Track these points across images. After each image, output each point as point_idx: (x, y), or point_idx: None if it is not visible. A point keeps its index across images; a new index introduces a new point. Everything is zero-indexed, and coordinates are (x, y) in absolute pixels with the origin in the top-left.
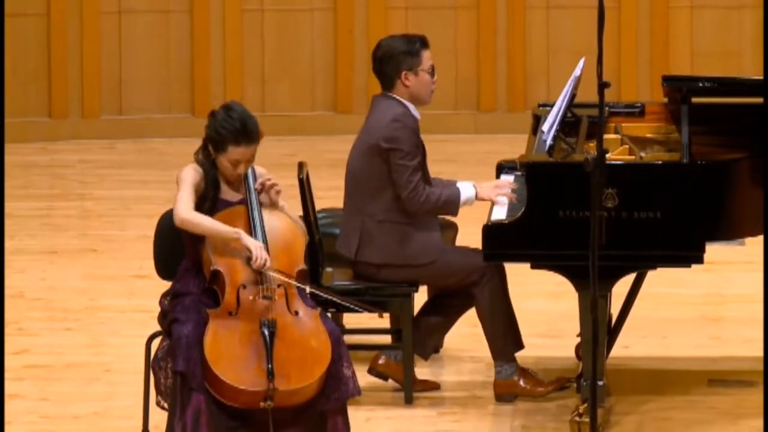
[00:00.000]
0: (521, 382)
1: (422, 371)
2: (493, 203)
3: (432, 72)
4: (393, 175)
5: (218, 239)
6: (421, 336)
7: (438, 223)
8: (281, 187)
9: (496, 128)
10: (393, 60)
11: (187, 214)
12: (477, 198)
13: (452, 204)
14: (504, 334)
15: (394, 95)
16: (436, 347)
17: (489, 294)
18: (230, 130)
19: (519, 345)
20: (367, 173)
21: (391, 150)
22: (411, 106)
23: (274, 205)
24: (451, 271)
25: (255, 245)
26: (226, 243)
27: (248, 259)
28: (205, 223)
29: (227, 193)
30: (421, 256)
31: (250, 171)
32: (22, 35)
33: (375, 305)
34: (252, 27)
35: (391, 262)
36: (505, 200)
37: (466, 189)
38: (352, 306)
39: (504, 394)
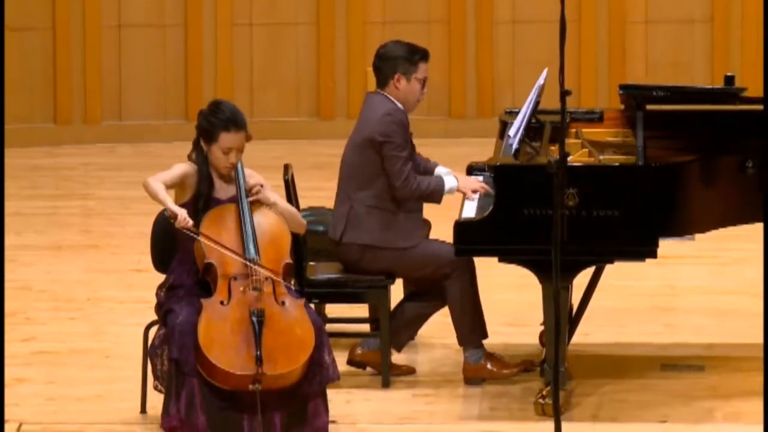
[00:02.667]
0: (488, 366)
1: (398, 357)
2: (464, 200)
3: (423, 84)
4: (386, 165)
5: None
6: (395, 330)
7: (422, 214)
8: (264, 184)
9: (465, 133)
10: (391, 61)
11: (151, 180)
12: (457, 188)
13: (438, 193)
14: (471, 324)
15: (386, 93)
16: (411, 336)
17: (459, 287)
18: (221, 118)
19: (484, 334)
20: (360, 164)
21: (385, 142)
22: (400, 106)
23: (266, 202)
24: (426, 262)
25: (176, 208)
26: (219, 237)
27: (170, 218)
28: (158, 193)
29: (220, 192)
30: (402, 240)
31: (240, 170)
32: (30, 47)
33: (354, 297)
34: (241, 40)
35: (374, 244)
36: (476, 196)
37: (449, 180)
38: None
39: (472, 377)
